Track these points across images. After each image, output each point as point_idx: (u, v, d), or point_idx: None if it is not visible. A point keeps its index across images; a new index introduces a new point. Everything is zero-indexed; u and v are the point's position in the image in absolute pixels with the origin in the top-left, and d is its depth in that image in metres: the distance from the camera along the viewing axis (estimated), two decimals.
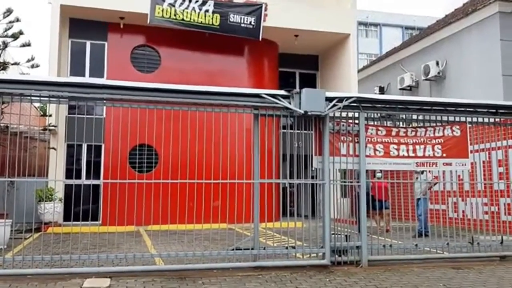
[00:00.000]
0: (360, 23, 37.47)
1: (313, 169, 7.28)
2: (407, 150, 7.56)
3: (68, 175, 12.87)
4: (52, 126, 12.94)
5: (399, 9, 64.81)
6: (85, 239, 8.11)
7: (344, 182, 7.68)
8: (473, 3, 16.66)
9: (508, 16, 14.42)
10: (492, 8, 14.55)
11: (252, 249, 6.77)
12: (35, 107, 16.59)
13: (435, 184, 10.58)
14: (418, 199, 10.69)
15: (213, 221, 7.21)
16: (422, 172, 9.70)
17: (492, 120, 8.02)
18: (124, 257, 6.44)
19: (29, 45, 13.73)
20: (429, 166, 7.68)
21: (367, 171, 7.37)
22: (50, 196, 12.10)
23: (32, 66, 13.78)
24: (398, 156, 7.50)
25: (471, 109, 7.87)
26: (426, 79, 17.03)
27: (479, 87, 14.60)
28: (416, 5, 65.34)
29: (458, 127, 7.76)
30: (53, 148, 12.34)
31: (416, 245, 7.50)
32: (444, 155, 7.64)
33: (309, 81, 17.48)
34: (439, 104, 7.84)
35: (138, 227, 10.79)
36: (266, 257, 6.81)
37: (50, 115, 12.89)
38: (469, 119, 7.82)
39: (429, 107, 7.75)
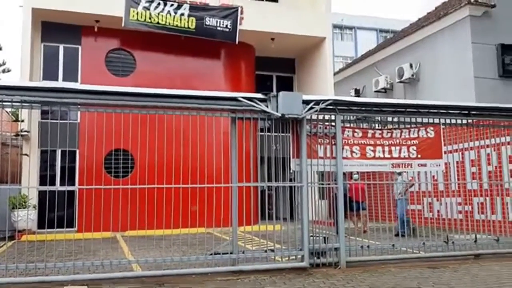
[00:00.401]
0: (335, 26, 37.87)
1: (291, 171, 7.31)
2: (383, 152, 7.67)
3: (43, 181, 12.57)
4: (25, 131, 12.64)
5: (373, 12, 65.76)
6: (61, 246, 7.92)
7: (322, 184, 7.73)
8: (445, 7, 17.05)
9: (479, 19, 14.81)
10: (463, 11, 14.91)
11: (231, 253, 6.74)
12: (6, 112, 16.19)
13: (411, 185, 10.75)
14: (396, 200, 10.89)
15: (191, 225, 7.15)
16: (400, 173, 9.85)
17: (464, 121, 8.21)
18: (101, 264, 6.33)
19: (0, 49, 13.45)
20: (405, 167, 7.81)
21: (344, 173, 7.44)
22: (23, 203, 11.81)
23: (4, 71, 13.51)
24: (374, 158, 7.60)
25: (444, 111, 8.05)
26: (401, 82, 17.33)
27: (452, 89, 14.92)
28: (389, 9, 66.50)
29: (432, 128, 7.92)
30: (26, 154, 12.06)
31: (393, 245, 7.61)
32: (419, 156, 7.78)
33: (286, 84, 17.56)
34: (413, 106, 7.99)
35: (115, 233, 10.62)
36: (245, 261, 6.79)
37: (23, 121, 12.60)
38: (442, 121, 7.99)
39: (403, 109, 7.88)
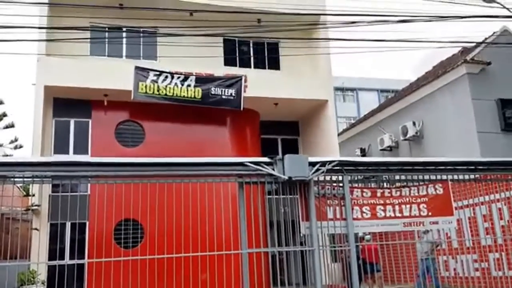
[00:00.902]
0: (336, 89, 38.81)
1: (301, 235, 7.22)
2: (394, 211, 7.59)
3: (52, 255, 12.47)
4: (35, 205, 12.72)
5: (372, 73, 67.76)
6: None
7: (334, 247, 7.60)
8: (442, 65, 17.58)
9: (476, 76, 15.22)
10: (460, 70, 15.36)
11: None
12: (17, 187, 16.38)
13: (438, 245, 10.34)
14: (422, 259, 10.39)
15: None
16: (427, 231, 9.60)
17: (472, 176, 8.19)
18: None
19: (12, 126, 13.88)
20: (417, 225, 7.69)
21: (355, 234, 7.33)
22: (32, 279, 11.64)
23: (16, 147, 13.84)
24: (385, 217, 7.51)
25: (451, 167, 8.06)
26: (405, 139, 17.49)
27: (456, 144, 15.03)
28: (387, 69, 68.51)
29: (440, 185, 7.87)
30: (36, 229, 12.06)
31: None
32: (430, 213, 7.68)
33: (291, 147, 17.77)
34: (420, 164, 8.02)
35: None
36: None
37: (33, 195, 12.73)
38: (450, 177, 7.97)
39: (410, 167, 7.91)
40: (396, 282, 9.37)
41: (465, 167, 8.11)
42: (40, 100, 13.94)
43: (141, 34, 16.12)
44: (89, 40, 15.39)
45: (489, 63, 15.20)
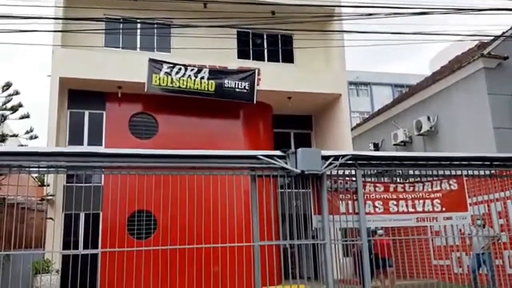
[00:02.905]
0: (350, 83, 38.51)
1: (313, 228, 7.21)
2: (407, 206, 7.54)
3: (66, 245, 12.64)
4: (50, 195, 12.89)
5: (384, 67, 67.14)
6: None
7: (346, 241, 7.58)
8: (458, 60, 17.32)
9: (493, 71, 14.96)
10: (477, 64, 15.11)
11: None
12: (32, 177, 16.61)
13: (498, 239, 9.61)
14: (478, 254, 9.87)
15: (214, 286, 7.04)
16: (484, 225, 9.41)
17: (487, 172, 8.08)
18: None
19: (27, 117, 14.04)
20: (430, 221, 7.63)
21: (368, 228, 7.30)
22: (46, 268, 11.81)
23: (31, 138, 14.00)
24: (398, 212, 7.46)
25: (466, 163, 7.96)
26: (419, 134, 17.31)
27: (472, 140, 14.83)
28: (401, 64, 67.78)
29: (455, 180, 7.79)
30: (51, 218, 12.22)
31: None
32: (444, 209, 7.61)
33: (304, 141, 17.70)
34: (434, 159, 7.93)
35: None
36: None
37: (48, 185, 12.89)
38: (465, 172, 7.88)
39: (424, 162, 7.83)
40: (408, 277, 9.31)
41: (480, 163, 8.00)
42: (55, 92, 14.07)
43: (155, 26, 16.14)
44: (103, 31, 15.46)
45: (506, 58, 14.93)
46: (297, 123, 18.14)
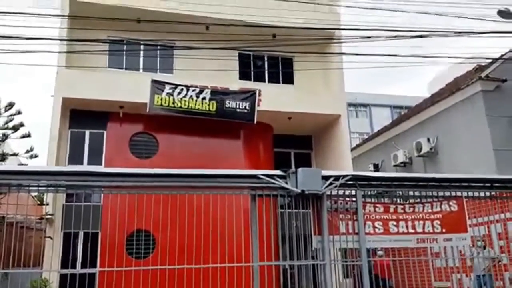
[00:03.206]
0: (349, 104, 38.76)
1: (313, 249, 7.18)
2: (407, 226, 7.52)
3: (64, 264, 12.54)
4: (49, 214, 12.85)
5: (383, 89, 67.62)
6: None
7: (346, 261, 7.54)
8: (457, 82, 17.48)
9: (491, 93, 15.08)
10: (475, 87, 15.24)
11: None
12: (32, 196, 16.58)
13: (499, 261, 9.60)
14: (479, 276, 9.78)
15: None
16: (485, 247, 9.34)
17: (488, 193, 8.08)
18: None
19: (29, 136, 14.11)
20: (430, 242, 7.60)
21: (368, 249, 7.27)
22: (44, 287, 11.70)
23: (31, 157, 14.05)
24: (398, 233, 7.44)
25: (466, 184, 7.96)
26: (419, 156, 17.34)
27: (472, 161, 14.85)
28: (399, 85, 68.33)
29: (455, 201, 7.79)
30: (49, 237, 12.16)
31: None
32: (444, 230, 7.59)
33: (304, 161, 17.72)
34: (434, 180, 7.94)
35: None
36: None
37: (47, 204, 12.86)
38: (465, 194, 7.88)
39: (424, 183, 7.83)
40: None
41: (480, 184, 8.01)
42: (58, 111, 14.15)
43: (158, 47, 16.36)
44: (107, 53, 15.66)
45: (504, 80, 15.07)
46: (297, 143, 18.20)
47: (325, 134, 17.68)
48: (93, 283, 12.51)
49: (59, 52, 14.11)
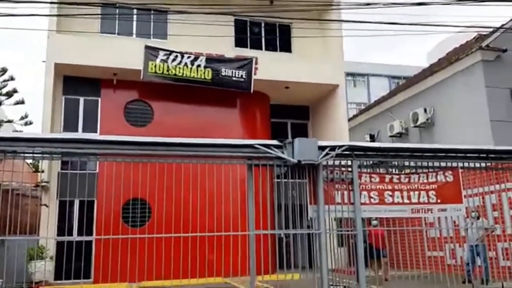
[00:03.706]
0: (348, 74, 38.43)
1: (309, 218, 7.21)
2: (402, 197, 7.55)
3: (60, 232, 12.62)
4: (45, 182, 12.83)
5: (382, 58, 67.04)
6: None
7: (340, 231, 7.59)
8: (456, 52, 17.27)
9: (491, 64, 14.93)
10: (475, 56, 15.07)
11: None
12: (27, 163, 16.53)
13: (492, 231, 9.60)
14: (472, 246, 9.79)
15: (209, 275, 7.05)
16: (478, 217, 9.40)
17: (483, 164, 8.09)
18: None
19: (22, 102, 13.93)
20: (425, 212, 7.64)
21: (363, 219, 7.31)
22: (41, 255, 11.80)
23: (26, 124, 13.92)
24: (393, 203, 7.47)
25: (462, 155, 7.95)
26: (416, 126, 17.31)
27: (468, 132, 14.85)
28: (398, 56, 67.69)
29: (450, 172, 7.79)
30: (45, 205, 12.18)
31: None
32: (439, 201, 7.63)
33: (301, 131, 17.69)
34: (430, 151, 7.92)
35: (132, 284, 10.48)
36: None
37: (43, 171, 12.83)
38: (460, 164, 7.88)
39: (420, 154, 7.82)
40: (402, 267, 9.36)
41: (476, 155, 8.00)
42: (50, 78, 13.94)
43: (152, 12, 15.99)
44: (99, 17, 15.31)
45: (505, 50, 14.90)
46: (294, 113, 18.12)
47: (322, 104, 17.57)
48: (89, 251, 12.65)
49: (49, 15, 13.75)
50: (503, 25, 15.41)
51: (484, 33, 15.76)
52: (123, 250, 6.78)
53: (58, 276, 11.65)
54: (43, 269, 11.16)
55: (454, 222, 8.12)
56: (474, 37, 16.66)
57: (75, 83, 14.84)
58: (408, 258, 9.79)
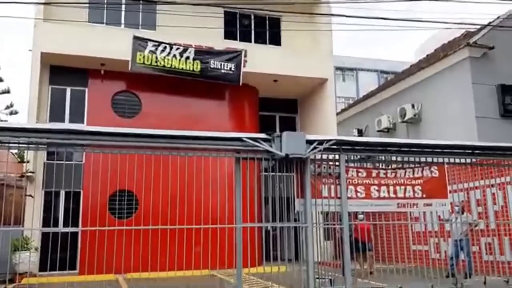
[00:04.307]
0: (337, 68, 38.47)
1: (296, 211, 7.25)
2: (388, 192, 7.63)
3: (46, 222, 12.50)
4: (30, 172, 12.68)
5: (371, 53, 67.30)
6: None
7: (327, 224, 7.65)
8: (444, 48, 17.41)
9: (478, 60, 15.07)
10: (463, 53, 15.20)
11: None
12: (12, 153, 16.32)
13: (476, 225, 9.74)
14: (456, 240, 9.90)
15: (195, 267, 7.05)
16: (463, 212, 9.49)
17: (468, 160, 8.20)
18: None
19: (8, 92, 13.74)
20: (411, 207, 7.73)
21: (349, 213, 7.38)
22: (25, 245, 11.69)
23: (11, 113, 13.74)
24: (379, 198, 7.55)
25: (448, 150, 8.05)
26: (403, 122, 17.45)
27: (454, 128, 15.00)
28: (387, 51, 68.02)
29: (436, 168, 7.90)
30: (30, 195, 12.05)
31: (401, 287, 7.44)
32: (424, 195, 7.73)
33: (289, 124, 17.73)
34: (417, 146, 8.00)
35: (117, 276, 10.45)
36: None
37: (28, 162, 12.68)
38: (446, 160, 7.99)
39: (407, 149, 7.90)
40: (387, 261, 9.47)
41: (462, 151, 8.11)
42: (37, 67, 13.74)
43: (140, 2, 15.81)
44: (87, 6, 15.10)
45: (492, 48, 15.06)
46: (282, 107, 18.13)
47: (311, 98, 17.60)
48: (75, 242, 12.56)
49: (36, 3, 13.52)
50: (490, 22, 15.57)
51: (472, 30, 15.91)
52: (110, 242, 6.75)
53: (43, 267, 11.54)
54: (28, 260, 11.07)
55: (439, 216, 8.22)
56: (462, 34, 16.80)
57: (62, 73, 14.63)
58: (393, 251, 9.90)
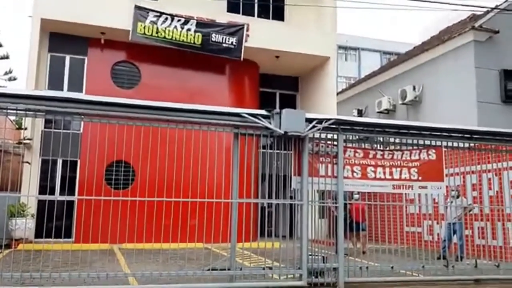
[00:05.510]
0: (339, 47, 38.14)
1: (292, 189, 7.29)
2: (384, 173, 7.66)
3: (42, 190, 12.53)
4: (27, 139, 12.65)
5: (377, 35, 66.55)
6: (57, 256, 7.86)
7: (322, 203, 7.70)
8: (449, 31, 17.20)
9: (482, 44, 14.92)
10: (467, 36, 15.03)
11: (229, 269, 6.69)
12: (10, 120, 16.25)
13: (471, 209, 9.72)
14: (450, 223, 9.88)
15: (190, 240, 7.11)
16: (458, 196, 9.55)
17: (466, 145, 8.21)
18: (97, 276, 6.27)
19: (7, 57, 13.56)
20: (406, 188, 7.77)
21: (345, 192, 7.42)
22: (22, 212, 11.76)
23: (10, 79, 13.60)
24: (375, 178, 7.58)
25: (447, 134, 8.05)
26: (403, 103, 17.38)
27: (454, 112, 14.95)
28: (392, 31, 67.24)
29: (433, 151, 7.91)
30: (27, 162, 12.04)
31: (392, 267, 7.54)
32: (420, 178, 7.76)
33: (289, 102, 17.62)
34: (415, 128, 8.00)
35: (112, 245, 10.55)
36: (242, 278, 6.73)
37: (26, 129, 12.63)
38: (444, 143, 7.99)
39: (405, 131, 7.89)
40: (380, 241, 9.58)
41: (460, 135, 8.11)
42: (36, 33, 13.55)
43: None
44: None
45: (497, 32, 14.88)
46: (283, 84, 18.00)
47: (312, 76, 17.47)
48: (71, 211, 12.64)
49: None
50: (497, 6, 15.34)
51: (479, 13, 15.69)
52: (105, 212, 6.78)
53: (38, 234, 11.64)
54: (24, 226, 11.15)
55: (434, 199, 8.27)
56: (468, 16, 16.57)
57: (62, 41, 14.45)
58: (386, 232, 10.00)
